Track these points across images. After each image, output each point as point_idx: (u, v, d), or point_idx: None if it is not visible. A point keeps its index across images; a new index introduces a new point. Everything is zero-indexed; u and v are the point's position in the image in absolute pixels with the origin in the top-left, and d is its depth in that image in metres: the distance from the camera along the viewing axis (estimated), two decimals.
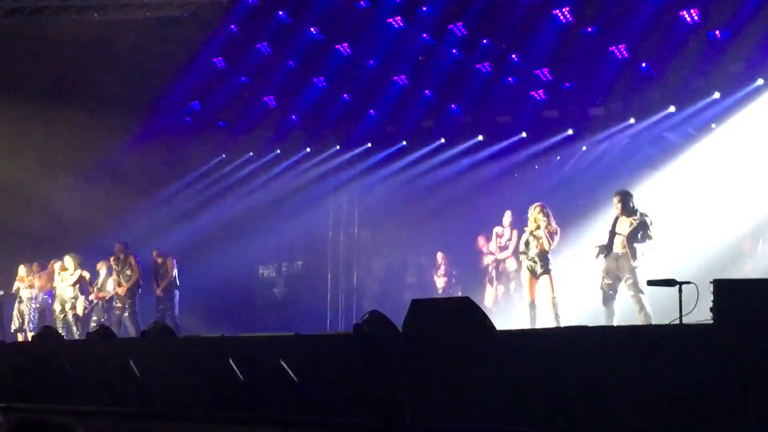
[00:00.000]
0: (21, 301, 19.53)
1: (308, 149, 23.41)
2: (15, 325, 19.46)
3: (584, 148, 19.91)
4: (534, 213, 14.26)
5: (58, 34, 20.62)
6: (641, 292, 12.96)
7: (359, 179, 23.02)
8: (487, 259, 18.57)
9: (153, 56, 22.26)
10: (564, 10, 18.23)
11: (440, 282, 19.81)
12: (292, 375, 8.71)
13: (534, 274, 14.09)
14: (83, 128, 22.09)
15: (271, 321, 22.57)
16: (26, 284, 19.54)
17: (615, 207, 13.75)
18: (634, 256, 13.31)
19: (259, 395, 8.95)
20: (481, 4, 19.31)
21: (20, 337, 18.82)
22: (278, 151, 23.74)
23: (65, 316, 18.81)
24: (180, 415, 9.22)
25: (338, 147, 23.01)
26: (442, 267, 19.89)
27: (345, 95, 21.96)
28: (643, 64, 18.11)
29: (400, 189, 22.08)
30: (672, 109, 18.11)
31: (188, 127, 24.16)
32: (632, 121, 18.77)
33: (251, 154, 24.07)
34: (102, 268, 19.26)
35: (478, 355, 7.96)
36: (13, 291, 19.75)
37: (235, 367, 9.22)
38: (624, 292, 13.34)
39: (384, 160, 22.31)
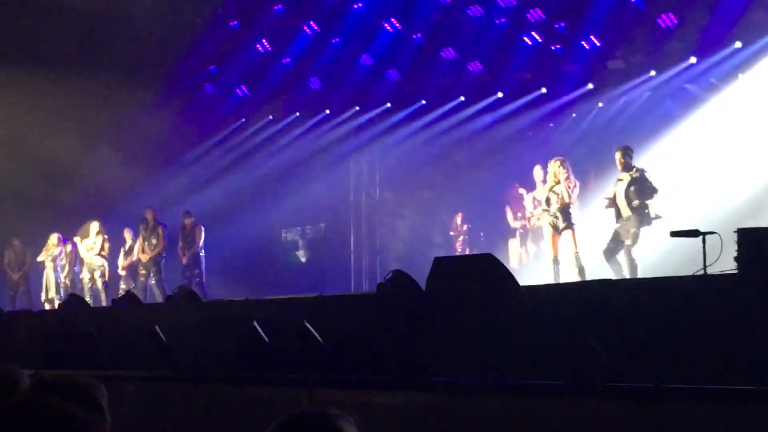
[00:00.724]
0: (48, 270, 19.64)
1: (327, 111, 23.35)
2: (45, 294, 19.58)
3: (600, 104, 19.78)
4: (554, 167, 14.21)
5: (74, 3, 20.59)
6: (634, 261, 13.04)
7: (380, 140, 22.95)
8: (515, 224, 18.42)
9: (168, 22, 22.19)
10: None
11: (458, 245, 19.77)
12: (317, 336, 8.73)
13: (556, 230, 14.05)
14: (103, 97, 22.15)
15: (296, 284, 22.63)
16: (53, 253, 19.64)
17: (618, 164, 13.73)
18: (640, 217, 13.28)
19: (284, 356, 8.98)
20: None
21: (49, 306, 18.95)
22: (297, 114, 23.70)
23: (93, 283, 18.93)
24: (206, 378, 9.27)
25: (357, 108, 22.95)
26: (462, 228, 19.86)
27: (363, 55, 21.86)
28: (663, 16, 17.92)
29: (421, 148, 22.01)
30: (693, 60, 17.94)
31: (207, 92, 24.16)
32: (653, 73, 18.61)
33: (271, 117, 24.04)
34: (127, 235, 19.33)
35: (502, 312, 7.94)
36: (39, 260, 19.86)
37: (259, 329, 9.25)
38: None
39: (404, 120, 22.24)
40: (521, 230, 18.14)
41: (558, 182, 14.09)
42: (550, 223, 14.15)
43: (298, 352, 8.86)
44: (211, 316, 10.89)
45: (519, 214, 18.32)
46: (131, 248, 19.18)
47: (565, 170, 14.13)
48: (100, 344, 11.21)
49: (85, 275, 19.13)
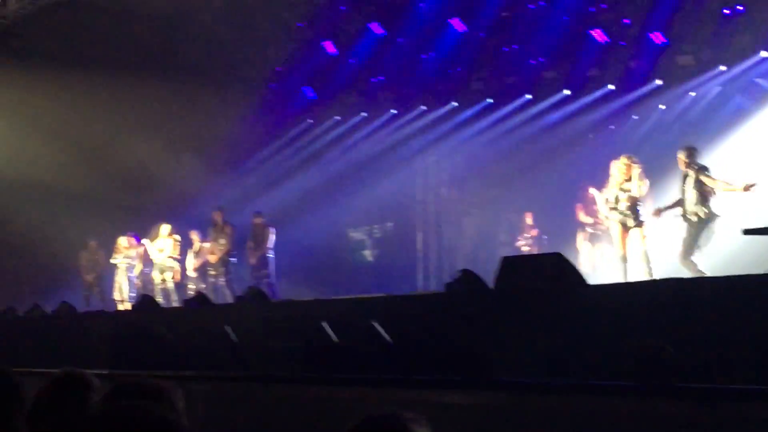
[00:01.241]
0: (120, 272, 19.92)
1: (393, 111, 23.39)
2: (117, 295, 19.86)
3: (661, 106, 19.53)
4: (623, 164, 14.05)
5: (143, 8, 20.87)
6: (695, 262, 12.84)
7: (446, 138, 22.94)
8: (586, 219, 18.18)
9: (236, 25, 22.41)
10: None
11: (525, 247, 19.56)
12: (385, 335, 8.76)
13: (625, 227, 13.91)
14: (171, 100, 22.45)
15: (363, 283, 22.71)
16: (124, 255, 19.91)
17: (681, 164, 13.55)
18: (706, 216, 13.12)
19: (353, 356, 9.02)
20: None
21: (121, 307, 19.22)
22: (364, 114, 23.77)
23: (164, 284, 19.15)
24: (276, 378, 9.35)
25: (423, 107, 22.95)
26: (532, 231, 19.69)
27: (428, 54, 21.87)
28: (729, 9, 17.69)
29: (488, 146, 21.95)
30: (764, 54, 17.67)
31: (274, 93, 24.34)
32: (722, 68, 18.36)
33: (337, 118, 24.14)
34: (195, 236, 19.52)
35: (571, 311, 7.90)
36: (112, 262, 20.15)
37: (328, 329, 9.30)
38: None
39: (470, 119, 22.20)
40: (592, 229, 17.88)
41: (627, 179, 13.94)
42: (619, 221, 14.01)
43: (366, 352, 8.89)
44: (280, 316, 10.96)
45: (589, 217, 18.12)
46: (201, 249, 19.37)
47: (637, 167, 13.98)
48: (172, 345, 11.35)
49: (155, 276, 19.37)
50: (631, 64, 19.53)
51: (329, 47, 22.90)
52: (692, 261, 13.15)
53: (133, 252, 19.89)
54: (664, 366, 6.52)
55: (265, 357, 10.08)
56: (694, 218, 13.24)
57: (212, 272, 18.88)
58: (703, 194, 13.23)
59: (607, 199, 14.34)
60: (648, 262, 13.51)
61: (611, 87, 19.94)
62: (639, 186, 13.83)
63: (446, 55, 21.61)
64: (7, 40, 19.74)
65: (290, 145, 24.66)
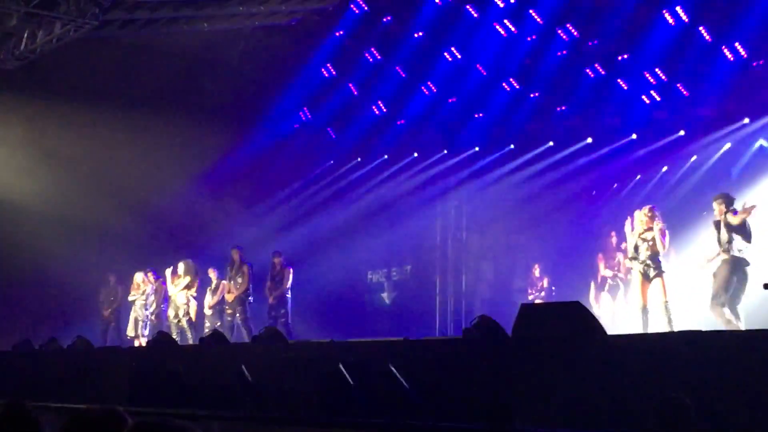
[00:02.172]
0: (135, 308, 19.91)
1: (415, 154, 23.45)
2: (131, 331, 19.83)
3: (693, 157, 19.49)
4: (644, 215, 14.02)
5: (168, 46, 21.05)
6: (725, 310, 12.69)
7: (467, 183, 22.96)
8: (606, 272, 18.15)
9: (261, 65, 22.56)
10: (675, 8, 17.92)
11: (536, 299, 19.39)
12: (402, 380, 8.72)
13: (647, 278, 13.83)
14: (193, 137, 22.58)
15: (381, 326, 22.63)
16: (141, 291, 19.91)
17: (717, 212, 13.46)
18: (734, 266, 12.98)
19: (369, 400, 8.98)
20: (590, 5, 19.06)
21: (137, 343, 19.19)
22: (386, 157, 23.84)
23: (179, 321, 19.10)
24: (291, 419, 9.31)
25: (445, 151, 23.01)
26: (542, 281, 19.60)
27: (451, 99, 21.95)
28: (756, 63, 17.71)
29: (508, 192, 21.94)
30: None
31: (297, 133, 24.45)
32: (746, 121, 18.34)
33: (359, 159, 24.22)
34: (212, 274, 19.52)
35: (589, 360, 7.86)
36: (129, 299, 20.15)
37: (345, 371, 9.27)
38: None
39: (492, 164, 22.23)
40: (612, 280, 17.85)
41: (648, 229, 13.90)
42: (639, 271, 13.95)
43: (382, 396, 8.85)
44: (297, 357, 10.93)
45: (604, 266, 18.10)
46: (217, 287, 19.36)
47: (657, 217, 13.95)
48: (187, 382, 11.33)
49: (170, 313, 19.34)
50: (655, 114, 19.52)
51: (353, 90, 23.00)
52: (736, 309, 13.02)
53: (149, 288, 19.87)
54: (683, 419, 6.46)
55: (280, 397, 10.05)
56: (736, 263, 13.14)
57: (229, 310, 18.84)
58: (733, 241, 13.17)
59: (627, 249, 14.26)
60: (668, 313, 13.42)
61: (634, 137, 19.94)
62: (661, 237, 13.78)
63: (469, 100, 21.66)
64: (32, 74, 19.91)
65: (311, 186, 24.72)
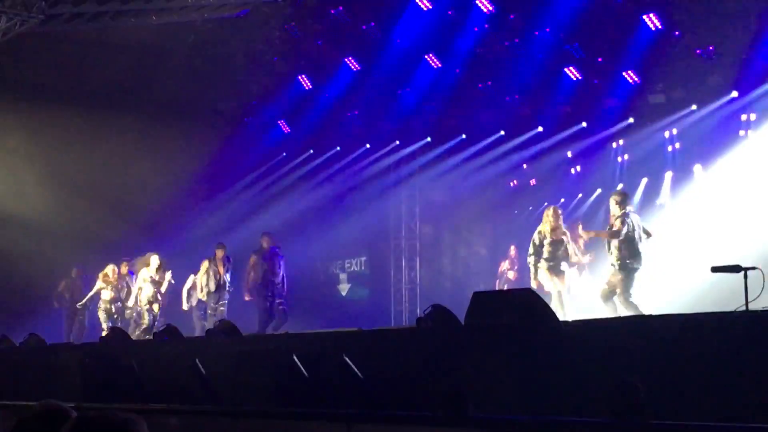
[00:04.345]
0: (104, 302, 19.62)
1: (368, 145, 23.45)
2: (104, 323, 19.45)
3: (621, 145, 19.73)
4: (550, 215, 14.70)
5: (116, 39, 20.86)
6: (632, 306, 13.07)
7: (419, 174, 23.01)
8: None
9: (211, 58, 22.42)
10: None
11: (512, 274, 19.72)
12: (356, 370, 8.73)
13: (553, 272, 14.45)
14: (144, 132, 22.46)
15: (335, 317, 22.66)
16: (108, 285, 19.60)
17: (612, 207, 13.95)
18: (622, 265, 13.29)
19: (324, 391, 8.98)
20: None
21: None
22: (338, 148, 23.82)
23: (147, 316, 18.87)
24: (246, 412, 9.29)
25: (398, 142, 23.03)
26: (515, 260, 19.82)
27: (403, 90, 21.94)
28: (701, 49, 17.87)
29: (461, 182, 22.03)
30: (734, 94, 17.87)
31: (248, 127, 24.34)
32: (694, 107, 18.55)
33: (311, 152, 24.17)
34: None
35: (542, 347, 7.91)
36: (93, 293, 19.90)
37: (299, 363, 9.26)
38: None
39: (443, 155, 22.30)
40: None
41: (554, 229, 14.55)
42: (545, 268, 14.53)
43: (337, 387, 8.86)
44: (250, 350, 10.91)
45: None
46: (194, 283, 19.13)
47: (556, 216, 14.64)
48: (141, 377, 11.27)
49: (142, 305, 19.08)
50: (604, 102, 19.67)
51: (304, 81, 22.91)
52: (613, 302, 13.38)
53: (120, 282, 19.63)
54: (633, 403, 6.52)
55: (234, 390, 10.02)
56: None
57: (212, 304, 18.68)
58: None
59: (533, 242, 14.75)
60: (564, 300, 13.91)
61: (584, 125, 20.10)
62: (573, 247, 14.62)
63: (421, 91, 21.65)
64: None
65: (264, 179, 24.64)
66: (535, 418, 7.02)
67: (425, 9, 19.81)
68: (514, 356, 7.98)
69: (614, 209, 13.64)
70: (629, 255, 13.27)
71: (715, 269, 8.76)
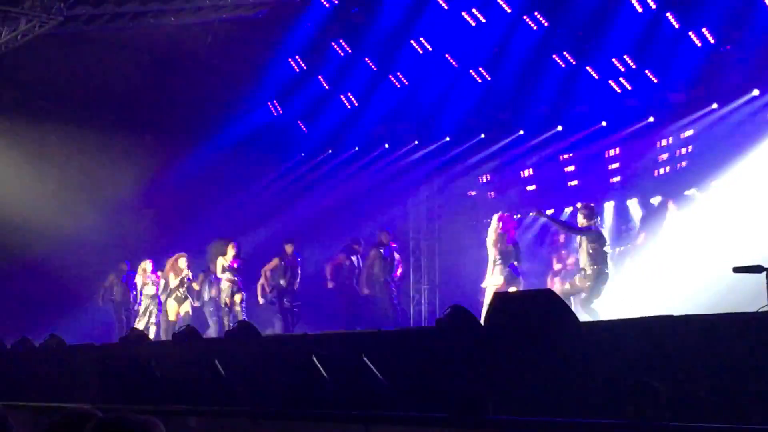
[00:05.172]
0: (146, 298, 19.64)
1: (386, 145, 23.44)
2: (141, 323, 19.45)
3: (668, 140, 19.57)
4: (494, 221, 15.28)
5: (139, 40, 20.91)
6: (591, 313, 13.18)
7: (439, 173, 22.98)
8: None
9: (230, 58, 22.43)
10: None
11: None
12: (375, 371, 8.70)
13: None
14: (164, 131, 22.49)
15: (354, 318, 22.62)
16: (151, 281, 19.60)
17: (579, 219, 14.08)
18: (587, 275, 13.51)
19: (342, 392, 8.96)
20: None
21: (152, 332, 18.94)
22: (356, 149, 23.80)
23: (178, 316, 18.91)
24: (264, 413, 9.27)
25: (416, 142, 23.00)
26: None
27: (421, 90, 21.93)
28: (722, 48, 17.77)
29: (481, 182, 22.00)
30: (755, 92, 17.75)
31: (267, 127, 24.34)
32: (714, 106, 18.44)
33: (330, 152, 24.16)
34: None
35: (561, 348, 7.87)
36: (138, 286, 19.96)
37: (318, 364, 9.24)
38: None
39: (463, 154, 22.27)
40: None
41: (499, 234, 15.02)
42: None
43: (356, 388, 8.84)
44: (269, 350, 10.90)
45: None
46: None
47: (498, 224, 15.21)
48: (160, 378, 11.27)
49: (170, 308, 19.08)
50: (625, 101, 19.63)
51: (323, 82, 22.93)
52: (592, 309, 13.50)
53: (152, 280, 19.65)
54: (654, 404, 6.48)
55: (253, 392, 10.02)
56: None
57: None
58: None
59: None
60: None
61: (603, 124, 20.04)
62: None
63: (439, 91, 21.65)
64: None
65: (282, 179, 24.64)
66: (554, 420, 6.99)
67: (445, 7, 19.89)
68: (534, 357, 7.93)
69: (582, 222, 13.85)
70: (603, 263, 13.48)
71: (737, 269, 8.69)
